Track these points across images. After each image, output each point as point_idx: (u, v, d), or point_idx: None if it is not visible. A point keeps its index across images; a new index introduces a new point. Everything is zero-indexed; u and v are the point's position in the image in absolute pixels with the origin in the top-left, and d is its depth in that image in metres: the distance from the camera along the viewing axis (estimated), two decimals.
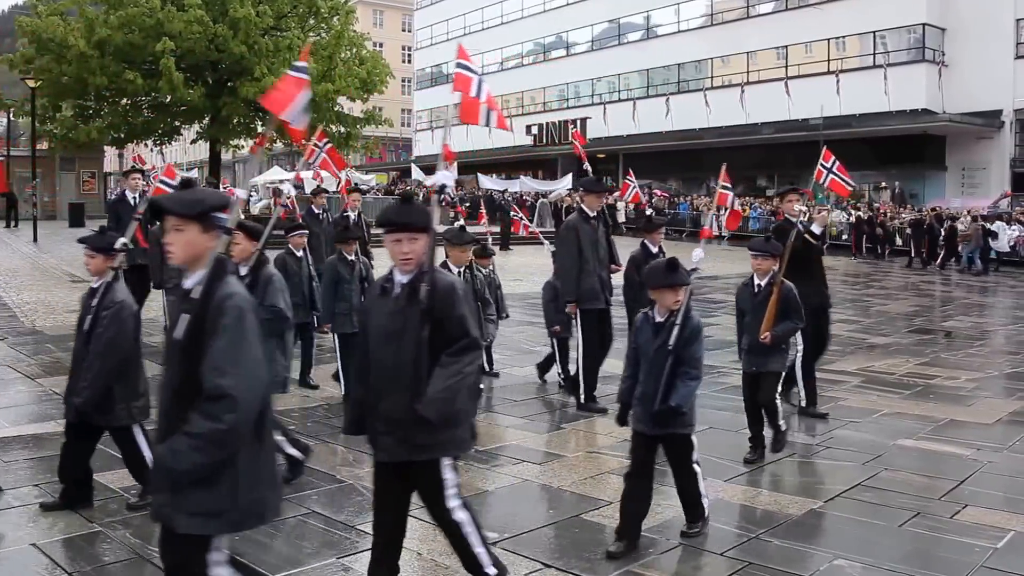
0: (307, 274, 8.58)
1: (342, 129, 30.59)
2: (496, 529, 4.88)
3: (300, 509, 5.15)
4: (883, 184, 37.71)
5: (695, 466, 4.84)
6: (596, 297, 7.87)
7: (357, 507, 5.23)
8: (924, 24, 35.29)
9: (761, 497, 5.60)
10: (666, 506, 5.37)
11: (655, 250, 8.21)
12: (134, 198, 10.61)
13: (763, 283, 6.47)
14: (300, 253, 8.68)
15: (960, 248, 27.01)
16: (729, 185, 8.02)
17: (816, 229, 7.71)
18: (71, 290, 15.29)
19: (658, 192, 41.26)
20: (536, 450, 6.56)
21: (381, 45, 57.71)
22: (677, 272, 4.69)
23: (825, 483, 6.00)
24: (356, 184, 19.65)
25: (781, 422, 6.59)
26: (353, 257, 8.14)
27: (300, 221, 10.53)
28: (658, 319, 4.74)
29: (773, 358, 6.45)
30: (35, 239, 24.97)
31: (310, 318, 8.64)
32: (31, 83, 27.22)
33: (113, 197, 11.40)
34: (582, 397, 7.90)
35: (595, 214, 8.04)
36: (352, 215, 12.27)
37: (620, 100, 47.08)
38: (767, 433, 6.56)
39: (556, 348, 8.72)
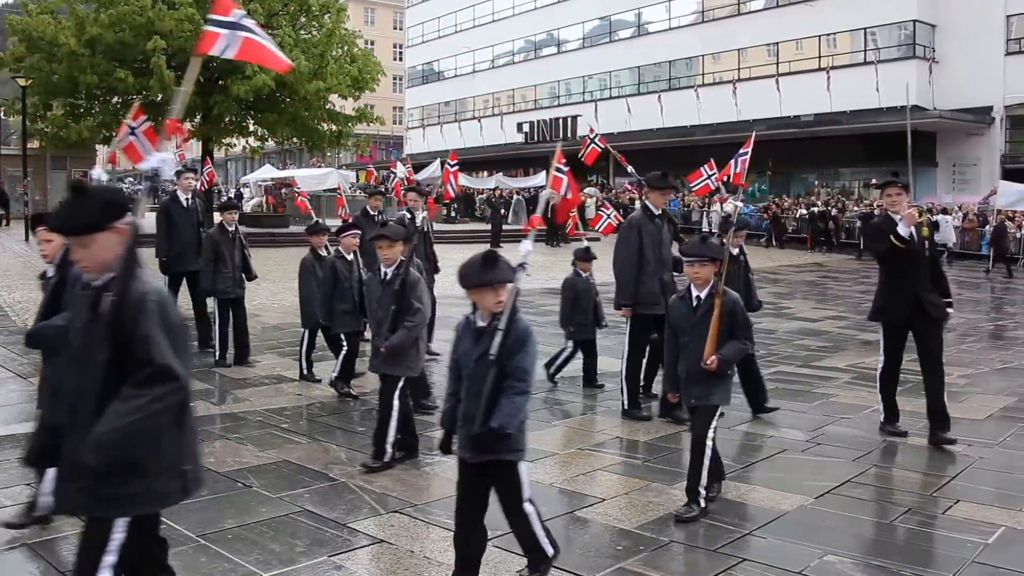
0: (357, 278, 8.12)
1: (333, 127, 30.56)
2: (488, 527, 4.88)
3: (292, 507, 5.15)
4: (873, 180, 37.77)
5: (527, 505, 4.05)
6: (655, 302, 7.35)
7: (349, 505, 5.23)
8: (915, 21, 35.39)
9: (753, 493, 5.61)
10: (657, 503, 5.39)
11: (735, 252, 7.48)
12: (187, 199, 10.32)
13: (703, 295, 5.26)
14: (351, 256, 8.28)
15: None
16: (563, 167, 6.50)
17: (902, 230, 6.68)
18: None
19: (628, 186, 41.23)
20: (528, 448, 6.55)
21: (372, 43, 57.59)
22: (496, 267, 3.91)
23: (816, 479, 6.01)
24: (418, 182, 19.20)
25: (702, 488, 5.16)
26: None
27: (351, 221, 10.01)
28: (479, 324, 3.97)
29: (717, 389, 5.23)
30: (27, 238, 24.87)
31: (361, 326, 8.23)
32: (21, 82, 27.10)
33: (164, 198, 10.77)
34: (626, 403, 7.60)
35: (659, 212, 7.54)
36: (417, 215, 10.46)
37: (612, 97, 47.09)
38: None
39: (577, 350, 8.61)
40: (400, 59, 68.40)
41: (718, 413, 5.31)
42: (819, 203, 34.63)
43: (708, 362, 5.11)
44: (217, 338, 9.54)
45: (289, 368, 9.27)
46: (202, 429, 6.77)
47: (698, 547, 4.72)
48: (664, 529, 4.95)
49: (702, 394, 5.23)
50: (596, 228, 10.15)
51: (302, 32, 29.55)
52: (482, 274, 3.90)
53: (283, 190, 39.46)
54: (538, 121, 50.73)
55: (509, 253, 4.19)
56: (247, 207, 43.59)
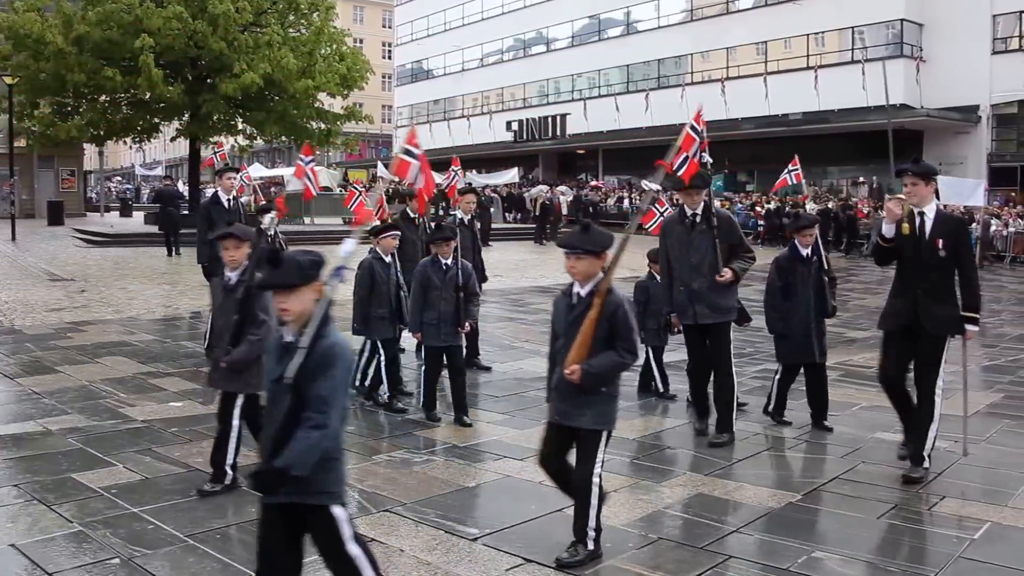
0: (395, 282, 7.70)
1: (322, 125, 30.50)
2: (478, 525, 4.90)
3: None
4: (861, 179, 37.95)
5: (351, 548, 3.34)
6: (683, 311, 6.88)
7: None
8: (902, 20, 35.54)
9: (740, 491, 5.64)
10: (645, 500, 5.41)
11: (806, 253, 7.19)
12: (229, 200, 9.81)
13: (584, 292, 4.41)
14: (388, 258, 7.72)
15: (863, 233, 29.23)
16: (414, 149, 6.51)
17: (884, 228, 6.02)
18: (49, 289, 15.19)
19: (597, 183, 41.33)
20: (517, 446, 6.58)
21: (361, 41, 57.50)
22: (281, 269, 3.26)
23: (803, 476, 6.06)
24: (468, 183, 18.91)
25: (591, 530, 4.40)
26: (449, 261, 7.29)
27: (390, 221, 9.36)
28: (287, 338, 3.31)
29: (588, 410, 4.37)
30: (13, 238, 24.75)
31: (397, 332, 7.89)
32: (8, 80, 26.91)
33: (205, 200, 10.14)
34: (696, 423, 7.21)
35: (693, 212, 6.85)
36: (463, 216, 9.64)
37: (600, 96, 47.14)
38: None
39: (650, 357, 8.32)
40: (389, 57, 68.32)
41: (603, 441, 4.42)
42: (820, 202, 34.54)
43: (568, 371, 4.28)
44: None
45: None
46: (191, 429, 6.78)
47: (685, 544, 4.74)
48: (652, 526, 4.97)
49: (570, 412, 4.40)
50: (647, 227, 9.79)
51: (291, 30, 29.50)
52: (271, 278, 3.30)
53: (272, 188, 39.33)
54: (527, 119, 50.71)
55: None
56: None
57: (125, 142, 32.91)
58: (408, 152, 6.69)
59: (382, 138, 67.76)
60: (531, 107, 52.40)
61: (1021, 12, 33.94)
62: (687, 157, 6.87)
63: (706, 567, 4.42)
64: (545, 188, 38.73)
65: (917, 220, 5.92)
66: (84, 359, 9.41)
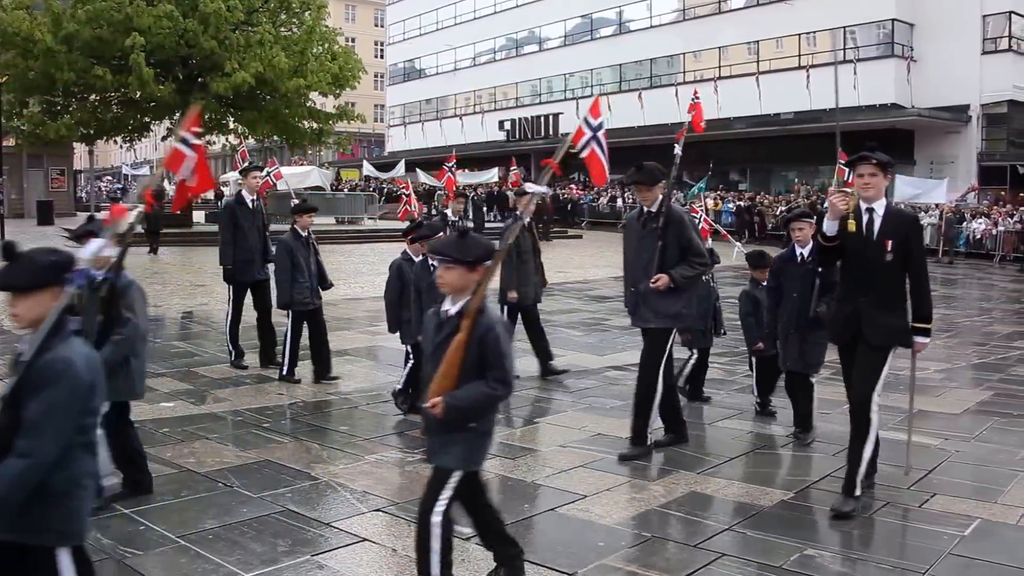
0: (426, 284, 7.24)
1: (314, 125, 30.46)
2: (470, 525, 4.90)
3: (274, 507, 5.14)
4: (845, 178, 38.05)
5: None
6: (632, 313, 6.50)
7: (331, 504, 5.23)
8: (893, 20, 35.65)
9: (733, 489, 5.65)
10: (639, 499, 5.42)
11: (801, 252, 6.67)
12: (253, 200, 9.31)
13: (454, 311, 3.74)
14: (419, 259, 7.35)
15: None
16: (191, 137, 5.58)
17: (826, 225, 5.23)
18: None
19: (573, 189, 41.47)
20: (510, 445, 6.58)
21: (353, 40, 57.46)
22: (12, 267, 2.89)
23: (795, 474, 6.07)
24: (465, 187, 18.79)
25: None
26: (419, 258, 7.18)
27: (420, 222, 9.15)
28: (20, 350, 3.00)
29: (453, 447, 3.73)
30: (2, 238, 24.66)
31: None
32: None
33: (229, 200, 9.65)
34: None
35: (648, 210, 6.36)
36: (453, 218, 9.76)
37: (593, 95, 47.13)
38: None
39: (755, 368, 7.72)
40: (381, 56, 68.24)
41: (454, 480, 3.74)
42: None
43: (429, 404, 3.66)
44: (288, 353, 8.52)
45: (270, 368, 9.23)
46: (182, 429, 6.76)
47: (678, 542, 4.75)
48: (645, 524, 4.98)
49: (435, 448, 3.80)
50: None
51: (282, 29, 29.47)
52: (12, 275, 2.90)
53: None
54: (519, 119, 50.71)
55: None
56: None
57: (116, 141, 32.79)
58: (184, 142, 5.55)
59: (374, 137, 67.67)
60: (523, 106, 52.38)
61: (1011, 12, 34.13)
62: (583, 146, 6.30)
63: (699, 565, 4.43)
64: (544, 188, 38.71)
65: (865, 217, 5.22)
66: None
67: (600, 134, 6.30)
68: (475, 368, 3.66)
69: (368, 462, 6.11)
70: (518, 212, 8.61)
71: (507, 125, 51.01)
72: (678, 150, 7.11)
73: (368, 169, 45.77)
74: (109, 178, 69.14)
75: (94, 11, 25.53)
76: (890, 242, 5.15)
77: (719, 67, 41.40)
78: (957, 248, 30.00)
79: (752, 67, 39.50)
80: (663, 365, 6.37)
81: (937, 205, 29.52)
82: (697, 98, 7.65)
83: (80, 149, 41.68)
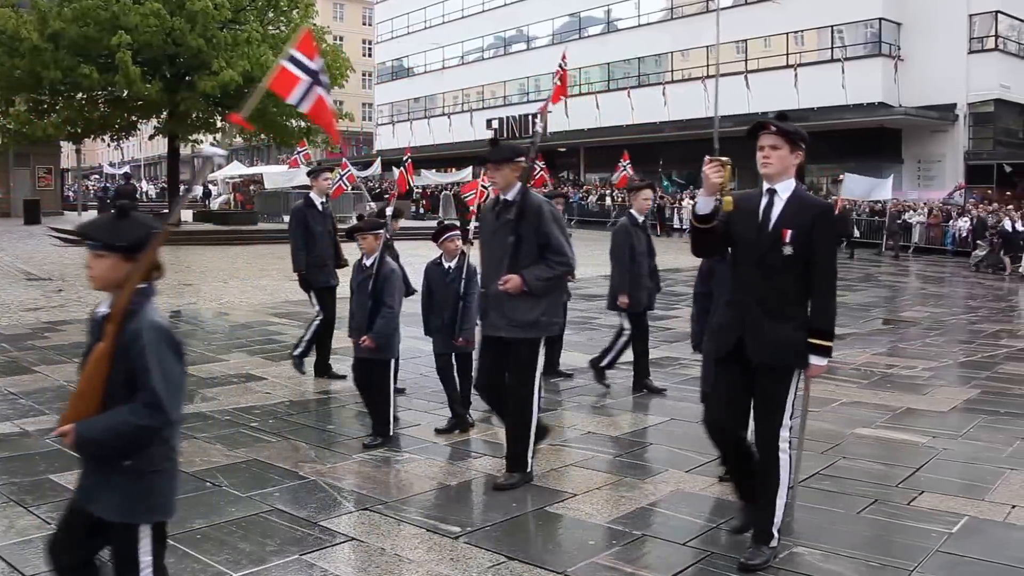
0: (456, 290, 6.90)
1: (302, 123, 30.38)
2: (460, 523, 4.90)
3: (262, 506, 5.12)
4: (840, 177, 38.17)
5: None
6: (481, 317, 5.88)
7: (320, 504, 5.21)
8: (880, 19, 35.81)
9: (722, 487, 5.65)
10: (629, 497, 5.42)
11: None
12: (324, 203, 8.95)
13: (102, 311, 2.95)
14: (451, 263, 6.95)
15: None
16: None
17: (699, 203, 4.31)
18: (26, 288, 15.06)
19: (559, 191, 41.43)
20: (499, 443, 6.57)
21: (341, 39, 57.36)
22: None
23: None
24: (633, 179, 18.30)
25: None
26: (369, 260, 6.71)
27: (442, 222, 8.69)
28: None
29: (112, 492, 2.92)
30: None
31: (449, 348, 7.04)
32: None
33: (299, 204, 9.09)
34: None
35: (503, 197, 5.65)
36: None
37: (581, 94, 47.21)
38: None
39: None
40: (369, 55, 68.16)
41: (142, 541, 2.99)
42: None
43: (56, 431, 2.95)
44: (310, 336, 8.70)
45: (258, 367, 9.21)
46: None
47: (669, 540, 4.75)
48: (636, 523, 4.97)
49: (90, 492, 3.01)
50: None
51: (270, 28, 29.38)
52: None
53: (251, 187, 39.11)
54: (507, 117, 50.73)
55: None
56: (215, 204, 43.28)
57: (103, 140, 32.65)
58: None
59: (363, 136, 67.58)
60: (511, 105, 52.41)
61: (997, 12, 34.34)
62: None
63: (689, 563, 4.43)
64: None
65: (763, 200, 4.29)
66: (62, 359, 9.33)
67: (322, 76, 4.83)
68: (125, 387, 2.85)
69: (356, 461, 6.09)
70: (631, 210, 8.39)
71: (495, 123, 50.99)
72: (539, 127, 6.59)
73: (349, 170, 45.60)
74: (96, 176, 68.90)
75: (80, 9, 25.41)
76: (789, 232, 4.17)
77: (707, 66, 41.44)
78: (906, 243, 30.91)
79: (740, 66, 39.60)
80: (537, 383, 5.53)
81: (897, 202, 30.48)
82: (564, 63, 7.31)
83: (67, 148, 41.49)
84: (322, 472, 5.80)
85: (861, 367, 9.78)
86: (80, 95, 28.30)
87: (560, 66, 6.76)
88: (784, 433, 4.33)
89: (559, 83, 6.72)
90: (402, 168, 19.54)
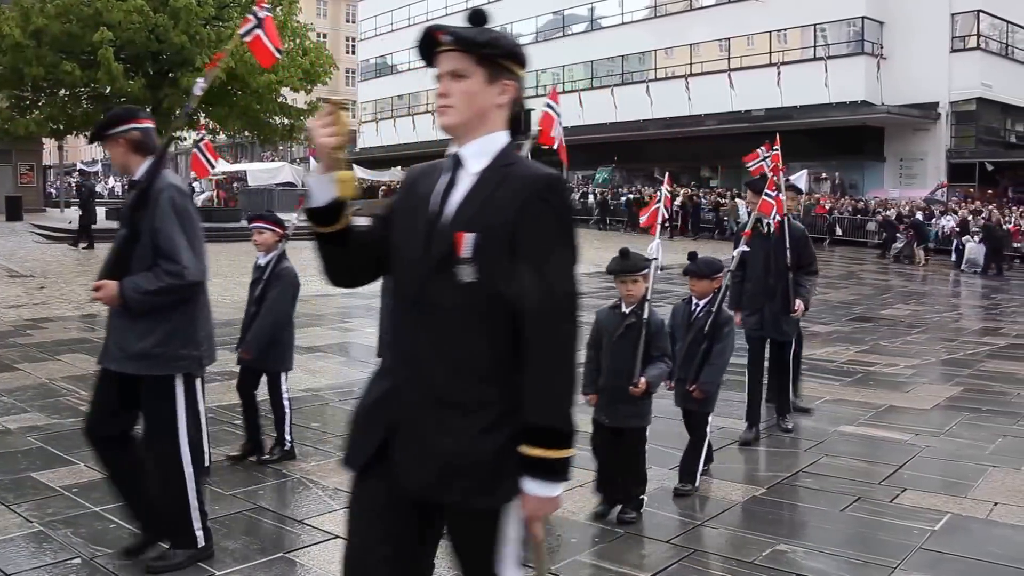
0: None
1: (285, 121, 30.31)
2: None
3: (248, 504, 5.10)
4: (823, 175, 38.36)
5: None
6: None
7: (305, 502, 5.20)
8: (863, 17, 35.94)
9: (705, 485, 5.66)
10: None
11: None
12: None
13: None
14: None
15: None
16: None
17: (314, 190, 2.35)
18: (8, 285, 14.94)
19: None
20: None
21: (324, 36, 57.23)
22: None
23: (768, 470, 6.11)
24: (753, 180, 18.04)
25: None
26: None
27: None
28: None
29: None
30: None
31: None
32: None
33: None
34: None
35: (132, 178, 4.39)
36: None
37: (564, 92, 47.15)
38: None
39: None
40: (352, 52, 67.96)
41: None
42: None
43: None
44: None
45: None
46: None
47: (651, 538, 4.76)
48: (617, 521, 4.98)
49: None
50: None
51: None
52: None
53: (234, 184, 39.00)
54: None
55: None
56: (198, 201, 43.00)
57: (85, 136, 32.41)
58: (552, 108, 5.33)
59: (348, 133, 67.44)
60: None
61: (979, 11, 34.55)
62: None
63: (672, 561, 4.44)
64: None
65: (441, 179, 2.38)
66: (44, 356, 9.27)
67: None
68: None
69: (340, 458, 6.06)
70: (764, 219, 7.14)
71: None
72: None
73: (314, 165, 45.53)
74: (78, 173, 68.44)
75: (63, 5, 25.28)
76: (468, 238, 2.23)
77: (691, 64, 41.55)
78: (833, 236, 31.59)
79: (723, 64, 39.69)
80: (181, 434, 4.04)
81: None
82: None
83: (49, 144, 41.17)
84: (306, 470, 5.78)
85: (843, 365, 9.82)
86: (63, 92, 28.15)
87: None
88: None
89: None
90: (195, 149, 18.36)
